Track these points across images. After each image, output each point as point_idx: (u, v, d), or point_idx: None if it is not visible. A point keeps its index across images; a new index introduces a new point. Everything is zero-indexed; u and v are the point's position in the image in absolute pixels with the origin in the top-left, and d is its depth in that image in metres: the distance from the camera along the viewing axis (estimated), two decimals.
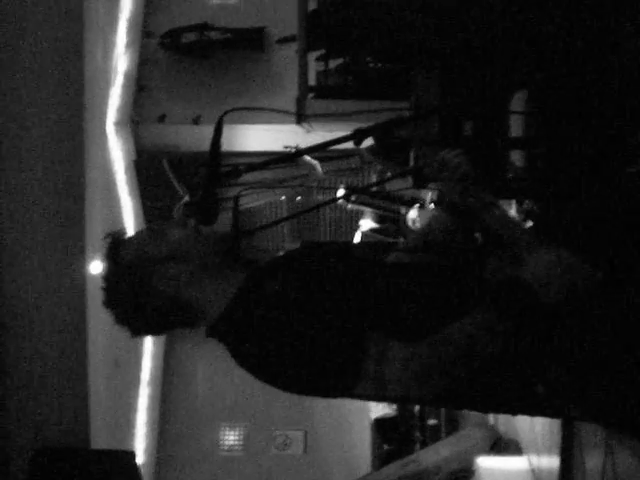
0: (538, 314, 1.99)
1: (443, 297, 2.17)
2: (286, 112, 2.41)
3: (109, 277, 2.23)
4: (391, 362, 1.98)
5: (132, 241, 2.24)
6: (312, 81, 6.00)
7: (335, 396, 2.12)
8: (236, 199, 2.47)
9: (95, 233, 6.41)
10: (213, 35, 8.17)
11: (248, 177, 7.53)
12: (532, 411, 2.29)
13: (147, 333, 2.29)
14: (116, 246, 2.23)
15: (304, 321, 2.03)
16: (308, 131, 6.14)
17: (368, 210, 6.37)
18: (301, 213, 4.03)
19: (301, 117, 4.93)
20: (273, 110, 2.36)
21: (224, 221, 2.61)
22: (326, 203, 4.45)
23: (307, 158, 7.00)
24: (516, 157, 4.48)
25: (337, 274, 2.22)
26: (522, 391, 2.15)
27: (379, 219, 6.32)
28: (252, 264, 2.32)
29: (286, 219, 3.07)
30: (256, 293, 2.15)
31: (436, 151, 2.32)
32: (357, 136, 2.11)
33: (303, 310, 2.05)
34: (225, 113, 2.19)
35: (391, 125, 2.09)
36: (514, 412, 2.33)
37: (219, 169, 2.21)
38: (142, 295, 2.19)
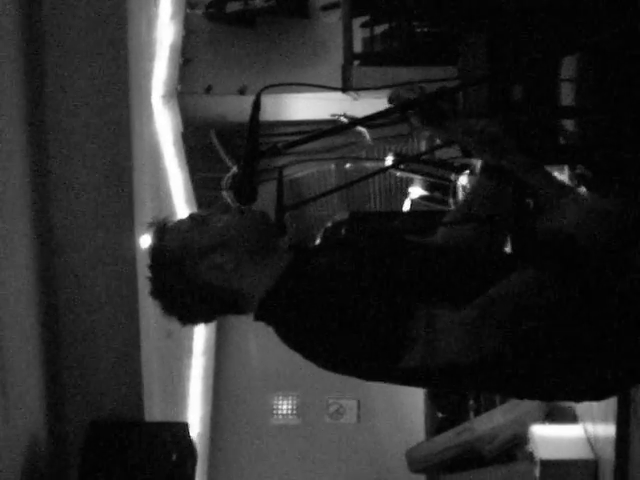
0: (580, 257, 1.95)
1: (489, 265, 2.14)
2: (326, 87, 2.36)
3: (155, 267, 2.22)
4: (440, 327, 1.95)
5: (176, 230, 2.23)
6: (358, 48, 5.94)
7: (383, 373, 2.08)
8: (280, 171, 2.42)
9: (144, 206, 6.42)
10: (257, 3, 8.11)
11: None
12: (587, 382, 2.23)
13: (195, 322, 2.29)
14: (161, 236, 2.22)
15: (351, 297, 2.01)
16: (355, 99, 6.08)
17: (417, 177, 6.30)
18: (349, 184, 3.96)
19: (347, 86, 4.88)
20: (312, 85, 2.30)
21: (271, 192, 2.57)
22: (375, 173, 4.37)
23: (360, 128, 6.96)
24: (568, 122, 4.39)
25: (382, 252, 2.18)
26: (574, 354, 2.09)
27: (429, 186, 6.25)
28: (298, 246, 2.30)
29: (332, 191, 3.03)
30: (302, 272, 2.12)
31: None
32: (402, 107, 2.05)
33: (349, 286, 2.03)
34: (263, 89, 2.15)
35: (436, 96, 2.03)
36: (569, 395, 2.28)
37: (257, 146, 2.17)
38: (190, 285, 2.18)
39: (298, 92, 7.60)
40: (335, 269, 2.09)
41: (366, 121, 2.15)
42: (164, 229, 2.24)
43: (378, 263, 2.11)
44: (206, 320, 2.30)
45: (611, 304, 2.04)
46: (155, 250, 2.22)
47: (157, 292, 2.24)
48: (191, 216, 2.28)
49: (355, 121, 1.96)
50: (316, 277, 2.08)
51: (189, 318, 2.26)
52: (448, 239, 2.41)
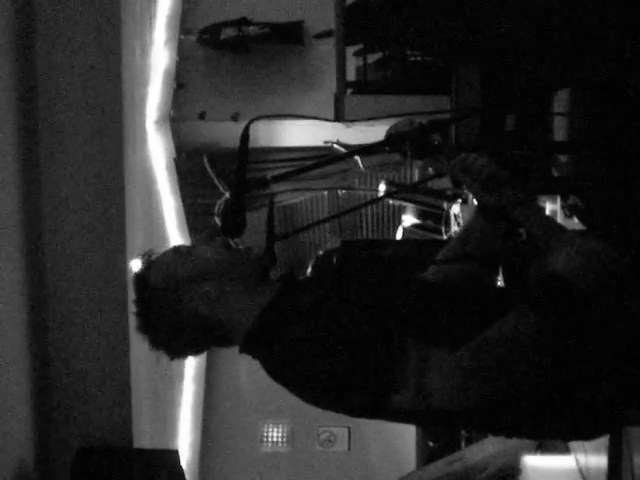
0: (576, 301, 1.92)
1: (483, 304, 2.12)
2: (316, 118, 2.35)
3: (140, 301, 2.20)
4: (432, 370, 1.91)
5: (159, 263, 2.21)
6: (352, 76, 5.95)
7: (371, 411, 2.06)
8: (271, 200, 2.40)
9: (135, 231, 6.41)
10: (252, 30, 8.13)
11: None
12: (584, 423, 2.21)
13: (183, 355, 2.26)
14: (145, 270, 2.20)
15: (338, 334, 1.97)
16: (348, 126, 6.09)
17: (410, 206, 6.29)
18: (340, 214, 3.96)
19: (339, 114, 4.88)
20: (302, 117, 2.29)
21: (264, 219, 2.56)
22: (368, 203, 4.36)
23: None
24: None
25: (373, 285, 2.16)
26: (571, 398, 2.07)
27: (421, 215, 6.24)
28: (286, 278, 2.27)
29: (323, 221, 3.01)
30: (288, 306, 2.10)
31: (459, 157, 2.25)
32: (392, 141, 2.04)
33: (337, 322, 2.00)
34: (251, 121, 2.13)
35: (427, 129, 2.02)
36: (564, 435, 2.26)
37: (245, 179, 2.16)
38: (176, 317, 2.16)
39: (291, 119, 7.60)
40: (322, 304, 2.05)
41: (359, 153, 2.14)
42: (149, 263, 2.22)
43: (368, 298, 2.08)
44: (194, 353, 2.27)
45: (603, 347, 2.03)
46: (140, 284, 2.21)
47: (144, 326, 2.21)
48: (174, 248, 2.26)
49: (347, 153, 1.95)
50: (302, 312, 2.04)
51: (177, 351, 2.24)
52: (439, 275, 2.39)
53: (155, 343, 2.20)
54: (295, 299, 2.11)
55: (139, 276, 2.20)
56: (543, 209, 2.24)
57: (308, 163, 2.31)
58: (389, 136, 2.05)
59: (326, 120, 2.43)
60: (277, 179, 2.20)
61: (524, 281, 2.11)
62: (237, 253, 2.22)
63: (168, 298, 2.15)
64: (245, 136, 2.16)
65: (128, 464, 6.02)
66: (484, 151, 2.43)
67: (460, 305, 2.10)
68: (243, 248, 2.24)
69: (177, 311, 2.14)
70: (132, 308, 2.21)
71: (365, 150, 2.13)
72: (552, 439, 2.40)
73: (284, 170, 2.49)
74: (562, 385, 2.05)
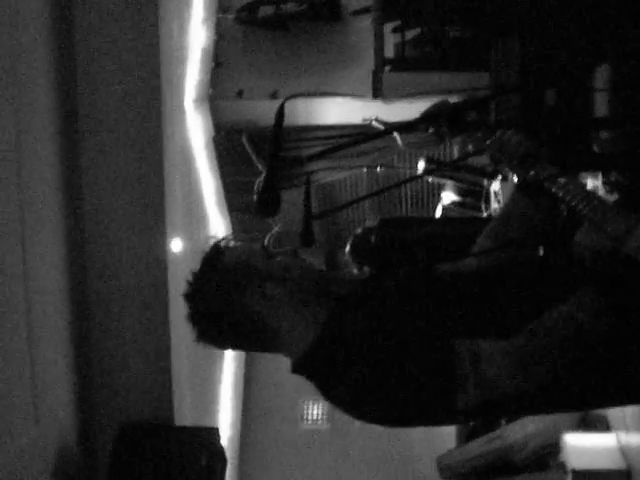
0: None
1: (530, 288, 2.09)
2: (352, 95, 2.32)
3: (200, 277, 2.18)
4: (487, 361, 1.90)
5: (238, 250, 2.20)
6: (390, 53, 5.91)
7: (441, 419, 2.05)
8: (308, 179, 2.39)
9: (175, 210, 6.43)
10: (289, 7, 8.10)
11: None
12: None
13: (223, 346, 2.25)
14: (219, 252, 2.19)
15: (392, 349, 1.96)
16: (387, 102, 6.05)
17: (449, 183, 6.25)
18: (379, 192, 3.94)
19: (377, 92, 4.85)
20: (338, 94, 2.27)
21: (302, 197, 2.55)
22: (408, 180, 4.33)
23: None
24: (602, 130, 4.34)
25: (415, 293, 2.14)
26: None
27: (461, 192, 6.19)
28: (334, 294, 2.24)
29: (361, 199, 2.99)
30: (342, 329, 2.08)
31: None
32: (426, 121, 2.02)
33: (390, 338, 1.98)
34: (286, 99, 2.12)
35: (462, 107, 2.00)
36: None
37: (280, 157, 2.14)
38: (230, 304, 2.14)
39: (330, 95, 7.58)
40: (372, 326, 2.04)
41: (394, 131, 2.12)
42: (226, 247, 2.20)
43: (410, 308, 2.07)
44: (233, 346, 2.27)
45: None
46: (209, 263, 2.18)
47: (193, 301, 2.18)
48: (261, 244, 2.26)
49: (382, 132, 1.92)
50: (357, 337, 2.03)
51: (214, 338, 2.21)
52: (482, 261, 2.35)
53: (194, 321, 2.18)
54: (348, 319, 2.09)
55: (211, 255, 2.18)
56: (584, 184, 2.19)
57: (344, 141, 2.29)
58: (425, 114, 2.03)
59: (361, 97, 2.40)
60: (313, 158, 2.19)
61: (584, 263, 2.07)
62: (309, 267, 2.21)
63: (232, 284, 2.13)
64: (280, 114, 2.15)
65: (169, 441, 6.06)
66: (520, 127, 2.40)
67: (506, 292, 2.07)
68: (310, 263, 2.23)
69: (233, 300, 2.12)
70: (184, 287, 2.19)
71: (400, 128, 2.11)
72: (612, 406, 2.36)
73: (320, 148, 2.49)
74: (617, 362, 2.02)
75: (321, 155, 2.26)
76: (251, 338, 2.17)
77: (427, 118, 2.00)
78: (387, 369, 1.94)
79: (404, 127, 1.99)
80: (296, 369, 2.13)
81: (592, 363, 1.95)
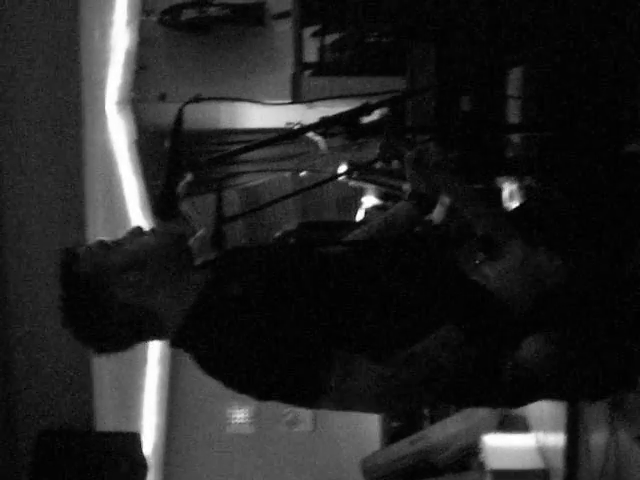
0: (509, 325, 1.92)
1: (408, 306, 2.11)
2: (251, 101, 2.34)
3: (67, 293, 2.15)
4: (356, 379, 1.92)
5: (88, 253, 2.17)
6: (313, 57, 5.93)
7: (301, 406, 2.06)
8: (219, 183, 2.39)
9: (97, 215, 6.37)
10: (213, 11, 8.07)
11: (249, 154, 7.46)
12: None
13: (110, 350, 2.23)
14: (70, 261, 2.16)
15: (266, 328, 1.96)
16: (309, 107, 6.06)
17: (370, 187, 6.29)
18: (292, 194, 3.95)
19: (296, 96, 4.86)
20: (241, 100, 2.28)
21: (225, 200, 2.55)
22: (324, 182, 4.37)
23: (309, 134, 6.92)
24: (514, 135, 4.41)
25: (302, 281, 2.15)
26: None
27: (382, 196, 6.24)
28: (212, 264, 2.26)
29: (273, 202, 3.00)
30: (216, 299, 2.08)
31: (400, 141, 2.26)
32: (323, 125, 2.04)
33: (266, 316, 1.99)
34: (185, 103, 2.12)
35: (359, 112, 2.02)
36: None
37: (179, 162, 2.14)
38: (104, 308, 2.13)
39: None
40: (250, 298, 2.03)
41: (288, 137, 2.13)
42: (74, 254, 2.17)
43: (294, 296, 2.07)
44: (122, 347, 2.23)
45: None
46: (66, 275, 2.15)
47: (70, 319, 2.16)
48: (99, 241, 2.22)
49: (277, 137, 1.93)
50: (232, 307, 2.03)
51: (104, 345, 2.20)
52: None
53: (81, 336, 2.16)
54: (223, 289, 2.10)
55: (65, 268, 2.15)
56: (492, 207, 2.21)
57: (243, 145, 2.30)
58: (322, 119, 2.05)
59: (261, 103, 2.42)
60: (212, 162, 2.19)
61: (457, 297, 2.10)
62: (166, 238, 2.20)
63: (96, 289, 2.11)
64: (178, 119, 2.15)
65: (89, 447, 6.02)
66: (437, 139, 2.45)
67: (389, 314, 2.09)
68: (172, 234, 2.22)
69: (107, 300, 2.10)
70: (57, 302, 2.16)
71: (295, 133, 2.12)
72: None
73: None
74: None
75: (221, 159, 2.26)
76: (138, 330, 2.16)
77: (324, 122, 2.02)
78: (260, 348, 1.95)
79: (299, 132, 2.00)
80: (174, 342, 2.14)
81: (455, 391, 2.00)
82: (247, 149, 2.29)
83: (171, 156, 2.17)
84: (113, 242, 2.20)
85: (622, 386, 2.22)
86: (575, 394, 2.19)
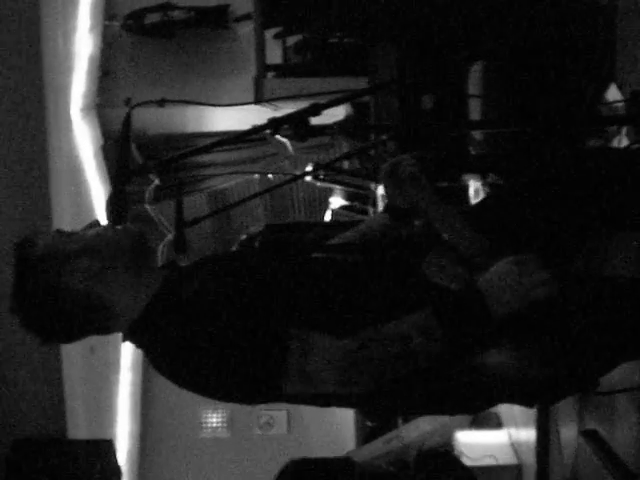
0: (484, 327, 1.91)
1: (379, 292, 2.10)
2: (203, 104, 2.34)
3: (17, 278, 2.14)
4: (316, 356, 1.90)
5: (41, 240, 2.16)
6: (277, 59, 5.93)
7: (266, 399, 2.04)
8: (179, 186, 2.39)
9: (64, 222, 6.34)
10: (176, 15, 8.05)
11: (216, 157, 7.45)
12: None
13: (55, 338, 2.21)
14: (24, 245, 2.15)
15: (223, 324, 1.95)
16: (275, 109, 6.06)
17: (338, 188, 6.29)
18: (253, 196, 3.95)
19: (259, 97, 4.87)
20: (191, 103, 2.29)
21: (193, 203, 2.54)
22: (287, 182, 4.38)
23: (277, 136, 6.90)
24: (476, 132, 4.42)
25: (256, 271, 2.14)
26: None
27: (349, 196, 6.24)
28: (172, 265, 2.25)
29: (235, 205, 2.98)
30: (173, 296, 2.07)
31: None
32: (272, 125, 2.04)
33: (221, 312, 1.97)
34: (132, 108, 2.12)
35: (307, 113, 2.02)
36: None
37: (128, 165, 2.14)
38: (53, 294, 2.11)
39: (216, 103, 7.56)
40: (208, 296, 2.02)
41: (235, 141, 2.12)
42: (29, 240, 2.17)
43: (249, 285, 2.06)
44: (70, 338, 2.21)
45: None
46: (18, 260, 2.14)
47: (18, 305, 2.15)
48: (57, 229, 2.21)
49: (225, 140, 1.93)
50: (187, 303, 2.01)
51: (49, 334, 2.17)
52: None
53: (27, 323, 2.14)
54: (181, 287, 2.09)
55: (18, 253, 2.14)
56: (466, 224, 2.20)
57: (194, 147, 2.30)
58: (270, 120, 2.06)
59: (215, 105, 2.42)
60: (162, 165, 2.18)
61: (422, 276, 2.10)
62: (122, 231, 2.19)
63: (46, 274, 2.09)
64: (126, 124, 2.14)
65: (61, 455, 5.98)
66: (415, 152, 2.44)
67: (356, 293, 2.08)
68: (131, 228, 2.21)
69: (55, 288, 2.08)
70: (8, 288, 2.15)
71: (241, 136, 2.12)
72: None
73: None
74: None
75: (172, 161, 2.25)
76: (87, 321, 2.14)
77: (272, 123, 2.02)
78: (215, 347, 1.93)
79: (248, 133, 2.00)
80: (126, 336, 2.12)
81: (417, 380, 1.99)
82: (198, 151, 2.29)
83: (119, 160, 2.17)
84: (71, 230, 2.20)
85: (583, 388, 2.23)
86: (534, 399, 2.19)
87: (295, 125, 2.00)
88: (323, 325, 1.95)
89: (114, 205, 2.14)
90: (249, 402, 2.12)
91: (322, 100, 2.18)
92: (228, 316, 1.95)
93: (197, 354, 1.96)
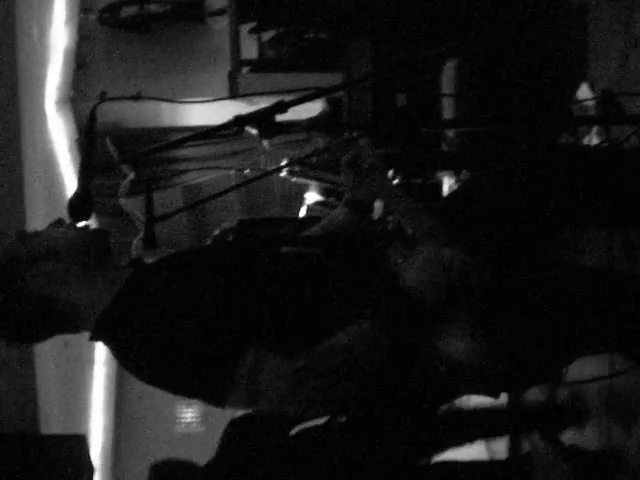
0: (421, 320, 1.92)
1: (337, 287, 2.11)
2: (165, 100, 2.33)
3: None
4: (266, 374, 1.91)
5: (2, 245, 2.16)
6: (253, 54, 5.92)
7: (209, 402, 2.04)
8: (148, 183, 2.37)
9: (37, 215, 6.31)
10: (153, 8, 8.02)
11: (192, 152, 7.41)
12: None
13: (25, 340, 2.21)
14: None
15: (182, 323, 1.95)
16: (252, 104, 6.05)
17: (312, 183, 6.28)
18: (224, 192, 3.92)
19: (234, 92, 4.86)
20: (154, 99, 2.27)
21: (168, 199, 2.53)
22: (260, 177, 4.36)
23: (252, 131, 6.88)
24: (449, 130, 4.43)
25: (219, 270, 2.14)
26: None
27: (324, 192, 6.23)
28: (137, 262, 2.25)
29: (205, 200, 2.94)
30: (138, 291, 2.07)
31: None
32: (237, 123, 2.03)
33: (183, 309, 1.98)
34: (98, 103, 2.11)
35: (272, 110, 2.01)
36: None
37: (92, 161, 2.13)
38: (15, 298, 2.11)
39: (191, 97, 7.56)
40: (171, 292, 2.02)
41: (206, 136, 2.12)
42: None
43: (211, 289, 2.06)
44: (35, 339, 2.22)
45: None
46: None
47: None
48: (18, 232, 2.21)
49: (192, 136, 1.91)
50: (149, 300, 2.02)
51: (16, 335, 2.18)
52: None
53: None
54: (146, 283, 2.09)
55: None
56: (423, 214, 2.21)
57: (164, 142, 2.29)
58: (235, 117, 2.05)
59: (188, 102, 2.41)
60: (126, 160, 2.17)
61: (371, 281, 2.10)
62: (84, 231, 2.19)
63: (9, 277, 2.10)
64: (92, 119, 2.13)
65: (33, 451, 5.93)
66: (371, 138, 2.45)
67: (310, 309, 2.08)
68: (93, 228, 2.22)
69: (17, 292, 2.09)
70: None
71: (209, 132, 2.11)
72: None
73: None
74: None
75: (139, 156, 2.24)
76: (53, 322, 2.14)
77: (238, 121, 2.02)
78: (173, 343, 1.94)
79: (215, 130, 1.99)
80: (93, 334, 2.12)
81: (364, 391, 1.99)
82: (168, 146, 2.28)
83: (84, 155, 2.15)
84: (33, 232, 2.19)
85: (547, 378, 2.24)
86: (497, 388, 2.20)
87: (261, 123, 2.00)
88: (277, 340, 1.96)
89: (78, 201, 2.13)
90: (196, 398, 2.12)
91: (292, 97, 2.18)
92: (187, 316, 1.96)
93: (155, 351, 1.96)
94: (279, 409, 1.92)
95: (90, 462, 6.25)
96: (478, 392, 2.23)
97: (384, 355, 1.91)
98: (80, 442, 6.30)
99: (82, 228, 2.20)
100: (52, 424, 6.70)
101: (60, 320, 2.13)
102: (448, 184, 5.25)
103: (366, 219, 2.43)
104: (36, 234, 2.18)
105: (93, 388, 8.63)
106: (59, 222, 2.22)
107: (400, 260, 2.10)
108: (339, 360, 1.90)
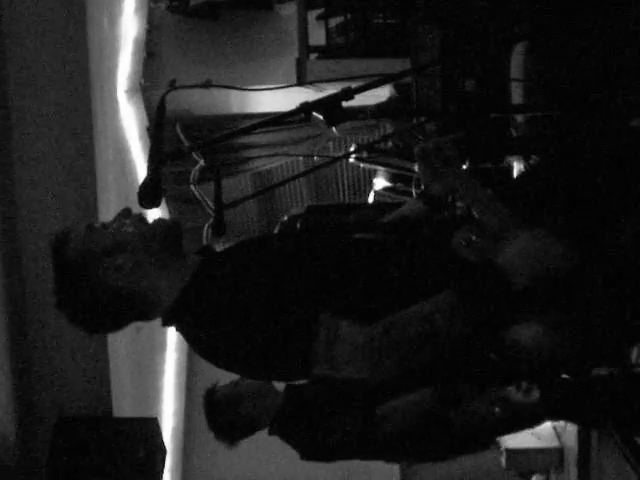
0: (506, 301, 1.92)
1: (404, 276, 2.12)
2: (234, 88, 2.35)
3: (57, 277, 2.19)
4: (342, 342, 1.92)
5: (75, 238, 2.20)
6: (321, 40, 5.93)
7: (298, 379, 2.08)
8: (217, 170, 2.41)
9: (109, 204, 6.40)
10: None
11: (261, 139, 7.45)
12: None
13: (103, 330, 2.27)
14: (59, 245, 2.20)
15: (255, 305, 1.99)
16: (320, 90, 6.06)
17: (381, 169, 6.27)
18: (289, 180, 3.93)
19: (302, 79, 4.87)
20: (226, 87, 2.30)
21: (238, 185, 2.56)
22: (329, 163, 4.36)
23: (319, 118, 6.88)
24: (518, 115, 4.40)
25: (289, 254, 2.17)
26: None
27: (392, 178, 6.22)
28: (207, 250, 2.28)
29: (271, 188, 2.97)
30: (209, 278, 2.11)
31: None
32: (303, 110, 2.05)
33: (254, 294, 2.01)
34: (168, 91, 2.14)
35: (338, 98, 2.03)
36: None
37: (161, 150, 2.16)
38: (92, 290, 2.16)
39: (261, 84, 7.59)
40: (241, 278, 2.05)
41: (269, 124, 2.13)
42: (63, 239, 2.21)
43: (281, 268, 2.08)
44: (113, 328, 2.27)
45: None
46: (56, 260, 2.19)
47: (62, 302, 2.21)
48: (87, 225, 2.25)
49: (258, 123, 1.93)
50: (223, 286, 2.05)
51: (95, 326, 2.24)
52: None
53: (74, 318, 2.20)
54: (216, 271, 2.12)
55: (55, 253, 2.19)
56: (498, 203, 2.21)
57: (230, 131, 2.31)
58: (302, 104, 2.07)
59: (256, 90, 2.43)
60: (196, 148, 2.20)
61: (446, 258, 2.11)
62: (154, 222, 2.23)
63: (84, 272, 2.15)
64: (161, 108, 2.16)
65: (106, 433, 6.04)
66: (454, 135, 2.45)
67: (384, 278, 2.09)
68: (162, 218, 2.26)
69: (93, 285, 2.14)
70: (50, 284, 2.20)
71: (276, 119, 2.13)
72: None
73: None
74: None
75: (208, 144, 2.27)
76: (128, 311, 2.19)
77: (303, 108, 2.03)
78: (249, 325, 1.96)
79: (279, 118, 2.01)
80: (165, 322, 2.17)
81: (440, 364, 1.99)
82: (235, 134, 2.31)
83: (154, 143, 2.19)
84: (101, 224, 2.24)
85: (612, 363, 2.23)
86: (558, 372, 2.20)
87: (327, 109, 2.01)
88: (351, 311, 1.97)
89: (147, 189, 2.16)
90: (287, 380, 2.16)
91: (360, 83, 2.19)
92: (258, 299, 1.99)
93: (228, 335, 2.00)
94: (356, 376, 1.93)
95: (162, 444, 6.36)
96: (545, 376, 2.22)
97: (463, 329, 1.91)
98: (153, 425, 6.40)
99: (152, 221, 2.24)
100: (125, 408, 6.80)
101: (135, 310, 2.19)
102: (517, 169, 5.21)
103: (439, 214, 2.43)
104: (104, 226, 2.22)
105: (164, 373, 8.73)
106: (126, 212, 2.26)
107: (474, 237, 2.11)
108: (419, 330, 1.90)
